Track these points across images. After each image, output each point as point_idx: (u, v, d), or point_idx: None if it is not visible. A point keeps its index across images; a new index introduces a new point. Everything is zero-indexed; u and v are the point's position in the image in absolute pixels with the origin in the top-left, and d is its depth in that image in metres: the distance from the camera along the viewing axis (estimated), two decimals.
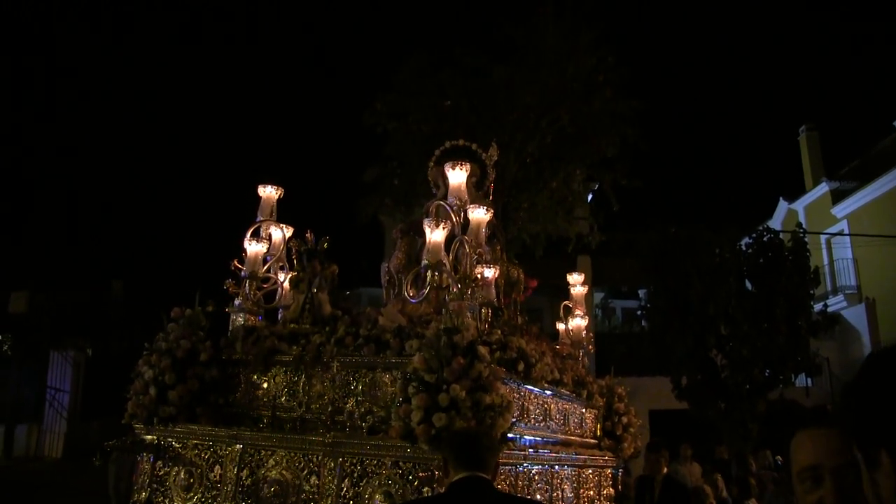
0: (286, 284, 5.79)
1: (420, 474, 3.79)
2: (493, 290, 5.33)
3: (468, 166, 4.95)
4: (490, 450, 3.07)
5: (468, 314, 4.21)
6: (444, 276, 4.48)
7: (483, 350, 3.91)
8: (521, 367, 4.73)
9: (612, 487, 6.92)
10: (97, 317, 20.28)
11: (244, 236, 5.66)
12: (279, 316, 5.84)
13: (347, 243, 5.81)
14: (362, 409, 4.38)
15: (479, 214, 4.71)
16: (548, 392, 5.47)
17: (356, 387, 4.50)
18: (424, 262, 4.41)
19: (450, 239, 4.64)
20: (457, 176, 4.84)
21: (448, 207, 4.68)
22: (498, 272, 5.51)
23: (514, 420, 4.17)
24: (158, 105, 42.33)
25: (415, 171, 14.52)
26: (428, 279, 4.38)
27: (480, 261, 4.70)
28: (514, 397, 4.56)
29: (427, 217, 4.94)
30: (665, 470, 7.15)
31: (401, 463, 3.95)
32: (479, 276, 4.60)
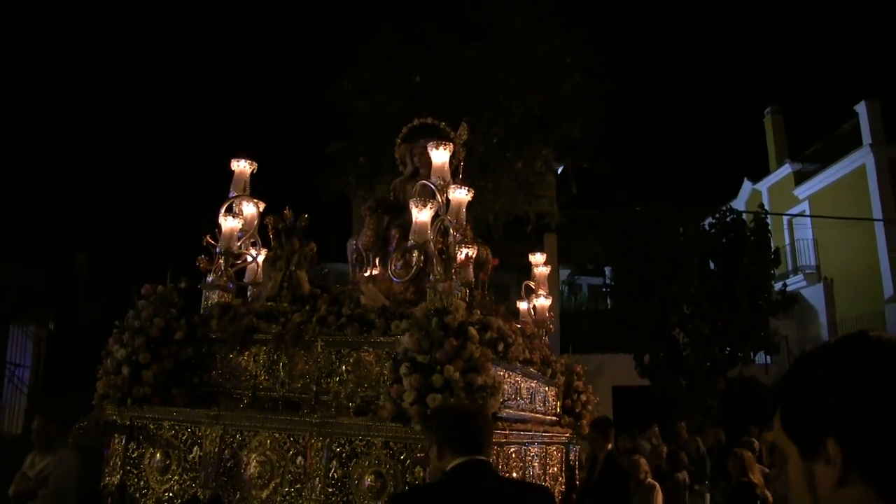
0: (259, 261, 5.71)
1: (418, 455, 3.78)
2: (471, 271, 5.32)
3: (451, 146, 4.91)
4: (488, 430, 2.99)
5: (456, 295, 4.20)
6: (419, 255, 4.45)
7: (473, 331, 3.89)
8: (500, 347, 4.73)
9: (572, 464, 6.99)
10: (61, 290, 19.86)
11: (216, 210, 5.55)
12: (248, 293, 5.76)
13: (313, 218, 5.75)
14: (348, 389, 4.35)
15: (461, 195, 4.68)
16: (520, 371, 5.49)
17: (340, 366, 4.46)
18: (411, 241, 4.36)
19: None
20: (440, 155, 4.81)
21: (433, 187, 4.63)
22: (475, 252, 5.49)
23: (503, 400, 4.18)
24: (123, 70, 41.47)
25: (380, 148, 14.47)
26: (414, 259, 4.34)
27: (463, 241, 4.68)
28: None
29: (411, 196, 4.90)
30: (609, 448, 7.19)
31: (391, 443, 3.95)
32: (462, 256, 4.58)
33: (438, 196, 4.60)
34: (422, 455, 3.77)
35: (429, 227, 4.46)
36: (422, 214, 4.41)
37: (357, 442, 4.03)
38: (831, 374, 1.17)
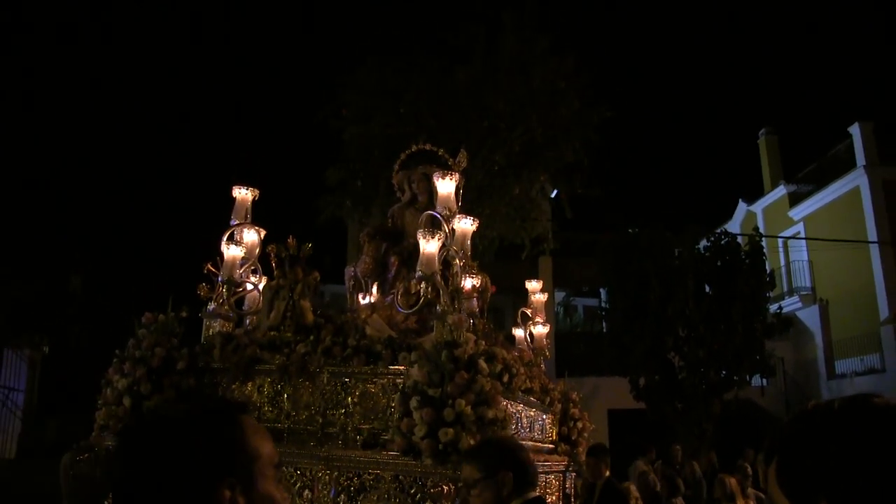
0: (259, 288, 5.67)
1: (432, 490, 3.75)
2: (475, 301, 5.30)
3: (457, 176, 4.90)
4: (536, 467, 3.02)
5: (465, 327, 4.17)
6: (426, 286, 4.41)
7: (483, 364, 3.88)
8: (505, 378, 4.70)
9: (568, 492, 6.93)
10: (54, 313, 19.74)
11: (212, 230, 5.51)
12: (246, 322, 5.71)
13: (309, 239, 5.73)
14: (354, 421, 4.32)
15: (466, 225, 4.66)
16: (521, 400, 5.45)
17: (346, 398, 4.42)
18: (419, 272, 4.34)
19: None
20: (446, 185, 4.78)
21: (440, 217, 4.61)
22: (480, 282, 5.47)
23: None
24: (119, 86, 41.47)
25: (377, 173, 14.48)
26: (421, 290, 4.31)
27: (468, 271, 4.66)
28: None
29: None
30: (607, 474, 7.14)
31: (401, 477, 3.92)
32: (466, 287, 4.56)
33: (445, 226, 4.58)
34: (436, 490, 3.74)
35: (436, 258, 4.43)
36: (430, 245, 4.38)
37: (365, 476, 3.99)
38: (833, 438, 1.20)
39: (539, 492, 5.17)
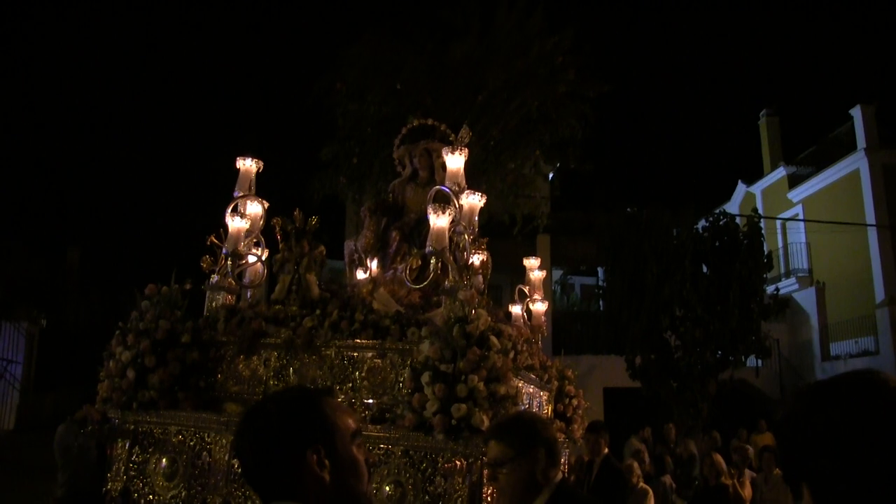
0: (263, 261, 5.62)
1: (445, 465, 3.75)
2: (480, 278, 5.27)
3: (466, 151, 4.85)
4: (560, 444, 3.00)
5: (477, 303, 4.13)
6: (436, 261, 4.38)
7: (495, 340, 3.86)
8: (511, 355, 4.68)
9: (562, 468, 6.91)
10: (52, 286, 19.71)
11: (216, 209, 5.45)
12: (248, 295, 5.67)
13: (306, 214, 5.69)
14: (362, 396, 4.29)
15: (474, 201, 4.62)
16: (522, 377, 5.43)
17: (353, 373, 4.40)
18: (429, 248, 4.30)
19: None
20: (455, 161, 4.74)
21: (449, 192, 4.57)
22: (485, 259, 5.44)
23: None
24: (117, 58, 41.18)
25: (372, 151, 14.41)
26: (431, 266, 4.28)
27: (476, 247, 4.63)
28: None
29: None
30: (605, 451, 7.15)
31: (411, 452, 3.91)
32: (476, 262, 4.53)
33: (455, 201, 4.54)
34: (448, 466, 3.73)
35: (447, 233, 4.38)
36: (440, 220, 4.33)
37: (375, 450, 3.97)
38: (830, 411, 1.25)
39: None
